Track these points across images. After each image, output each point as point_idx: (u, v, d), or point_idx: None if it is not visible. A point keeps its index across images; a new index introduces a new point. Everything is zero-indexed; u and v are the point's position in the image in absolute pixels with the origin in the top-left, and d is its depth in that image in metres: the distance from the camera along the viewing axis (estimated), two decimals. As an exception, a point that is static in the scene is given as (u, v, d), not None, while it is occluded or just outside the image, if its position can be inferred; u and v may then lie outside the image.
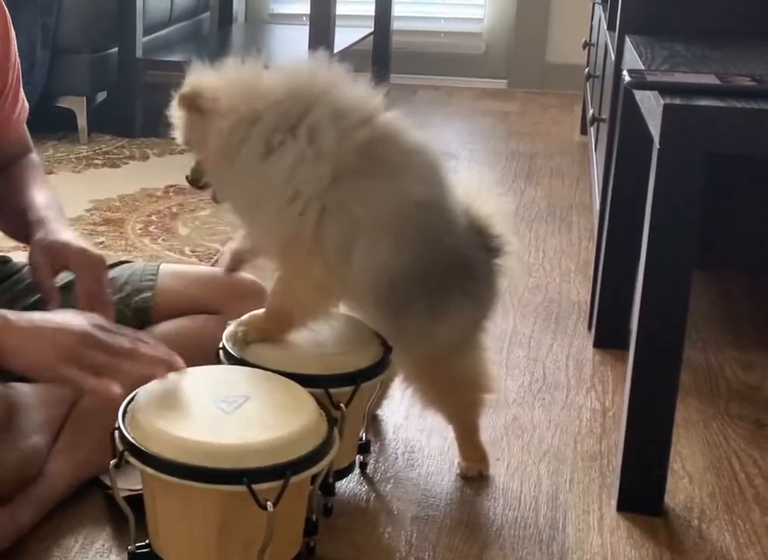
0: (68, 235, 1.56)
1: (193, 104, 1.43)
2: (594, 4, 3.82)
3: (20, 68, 1.73)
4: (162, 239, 2.77)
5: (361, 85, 1.47)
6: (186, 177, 1.53)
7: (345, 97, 1.45)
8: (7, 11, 1.67)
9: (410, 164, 1.47)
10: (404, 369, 1.64)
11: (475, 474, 1.68)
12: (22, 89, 1.74)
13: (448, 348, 1.58)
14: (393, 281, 1.47)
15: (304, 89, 1.44)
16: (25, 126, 1.79)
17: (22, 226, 1.60)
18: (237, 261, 1.59)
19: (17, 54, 1.72)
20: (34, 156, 1.80)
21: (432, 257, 1.49)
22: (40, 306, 1.64)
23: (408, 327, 1.53)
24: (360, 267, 1.45)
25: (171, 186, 3.25)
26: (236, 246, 1.59)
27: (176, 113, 1.47)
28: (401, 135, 1.48)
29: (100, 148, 3.70)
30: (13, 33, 1.69)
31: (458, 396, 1.65)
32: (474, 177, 1.64)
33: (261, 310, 1.53)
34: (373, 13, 4.74)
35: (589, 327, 2.24)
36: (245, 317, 1.53)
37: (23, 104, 1.75)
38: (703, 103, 1.45)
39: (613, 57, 2.19)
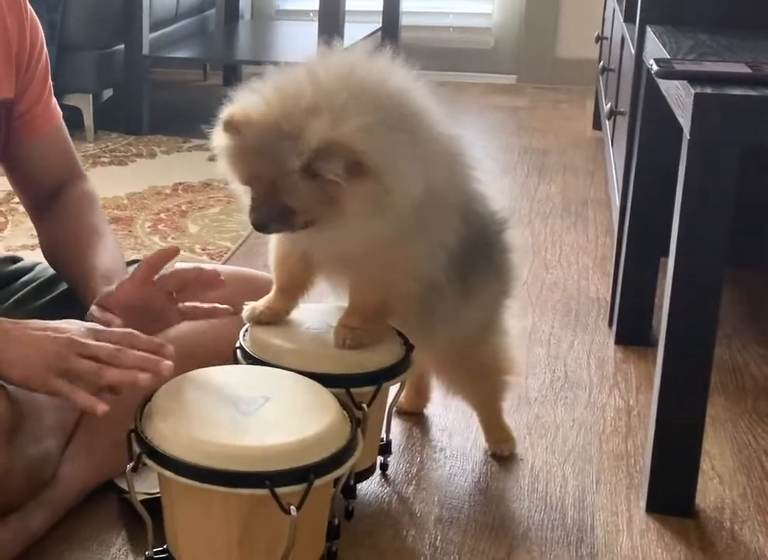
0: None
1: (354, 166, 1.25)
2: (606, -3, 3.78)
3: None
4: (172, 238, 2.73)
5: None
6: (259, 222, 1.33)
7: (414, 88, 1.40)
8: (29, 4, 1.61)
9: (455, 142, 1.46)
10: (430, 362, 1.63)
11: (508, 453, 1.71)
12: (54, 96, 1.67)
13: (474, 332, 1.59)
14: (449, 255, 1.45)
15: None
16: (70, 141, 1.69)
17: (78, 287, 1.55)
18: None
19: (45, 49, 1.64)
20: (89, 189, 1.69)
21: (466, 229, 1.47)
22: (51, 306, 1.60)
23: (440, 308, 1.50)
24: (438, 247, 1.42)
25: (179, 183, 3.21)
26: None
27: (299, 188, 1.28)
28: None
29: (107, 146, 3.67)
30: (39, 29, 1.62)
31: (483, 381, 1.67)
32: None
33: (346, 311, 1.48)
34: (381, 8, 4.71)
35: (610, 324, 2.20)
36: (343, 321, 1.46)
37: (55, 105, 1.67)
38: (736, 91, 1.40)
39: (632, 49, 2.14)
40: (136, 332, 1.33)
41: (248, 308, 1.51)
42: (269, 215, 1.32)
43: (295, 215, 1.31)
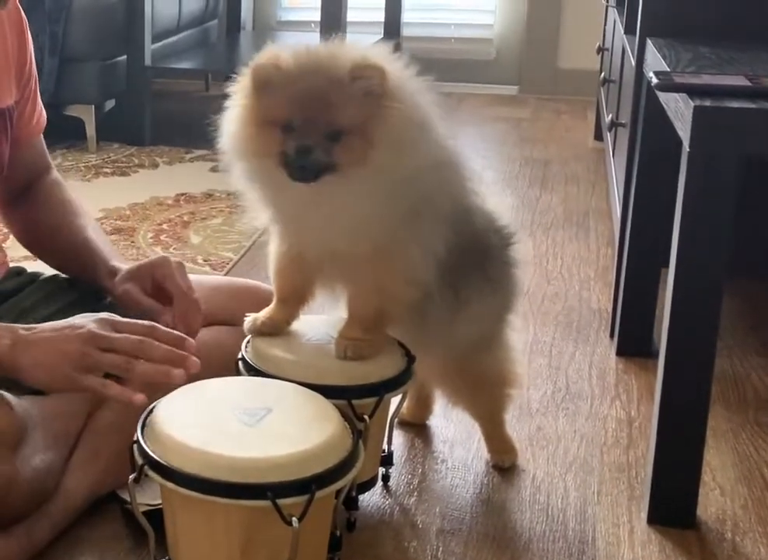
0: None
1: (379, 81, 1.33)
2: (607, 8, 3.78)
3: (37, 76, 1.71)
4: (174, 248, 2.74)
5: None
6: (301, 166, 1.32)
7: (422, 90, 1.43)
8: (24, 17, 1.64)
9: (452, 151, 1.47)
10: (431, 373, 1.64)
11: (510, 464, 1.71)
12: (40, 99, 1.71)
13: (473, 345, 1.59)
14: (438, 264, 1.46)
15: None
16: (43, 140, 1.75)
17: (75, 261, 1.59)
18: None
19: (33, 61, 1.69)
20: (56, 176, 1.76)
21: (458, 240, 1.47)
22: (55, 318, 1.60)
23: (434, 317, 1.51)
24: (430, 253, 1.43)
25: (181, 194, 3.22)
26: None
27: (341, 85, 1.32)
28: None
29: (109, 157, 3.68)
30: (30, 41, 1.67)
31: (484, 394, 1.67)
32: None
33: (346, 322, 1.49)
34: (383, 19, 4.71)
35: (611, 335, 2.21)
36: (343, 333, 1.47)
37: (41, 113, 1.72)
38: (734, 104, 1.41)
39: (633, 61, 2.15)
40: (157, 324, 1.34)
41: (249, 319, 1.51)
42: (315, 140, 1.32)
43: (340, 137, 1.32)
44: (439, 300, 1.50)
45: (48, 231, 1.67)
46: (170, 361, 1.28)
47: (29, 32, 1.66)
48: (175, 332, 1.34)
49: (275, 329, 1.50)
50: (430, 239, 1.43)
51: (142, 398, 1.26)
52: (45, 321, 1.58)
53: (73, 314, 1.55)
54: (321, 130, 1.32)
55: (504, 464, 1.70)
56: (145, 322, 1.35)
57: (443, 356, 1.59)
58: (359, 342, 1.45)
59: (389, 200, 1.37)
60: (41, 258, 1.72)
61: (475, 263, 1.54)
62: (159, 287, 1.53)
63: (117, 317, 1.35)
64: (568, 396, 1.96)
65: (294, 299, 1.52)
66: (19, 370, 1.30)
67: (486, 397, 1.68)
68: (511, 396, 1.70)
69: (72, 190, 1.77)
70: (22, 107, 1.65)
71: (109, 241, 1.69)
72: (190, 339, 1.33)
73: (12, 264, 1.78)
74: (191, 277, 1.63)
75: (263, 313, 1.52)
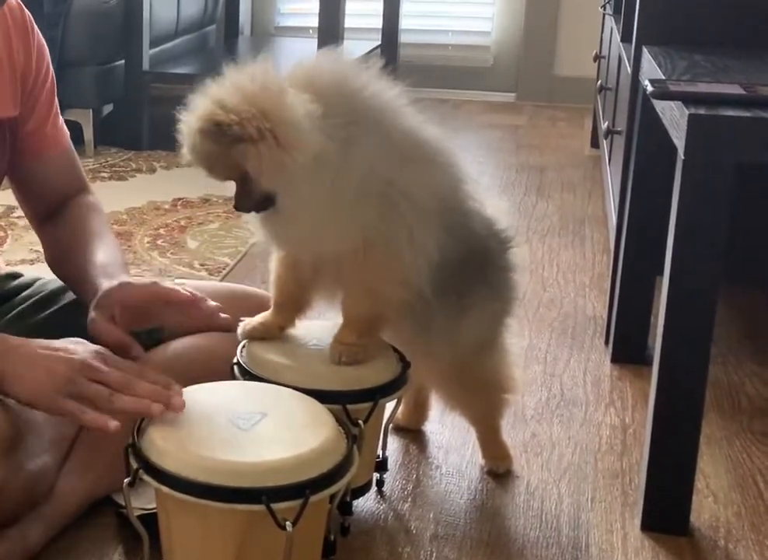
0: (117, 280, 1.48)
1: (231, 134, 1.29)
2: (604, 15, 3.79)
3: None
4: (171, 253, 2.74)
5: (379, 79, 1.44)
6: (236, 205, 1.38)
7: (383, 90, 1.43)
8: (35, 24, 1.62)
9: (441, 152, 1.48)
10: (429, 378, 1.65)
11: (504, 470, 1.71)
12: (59, 113, 1.67)
13: (473, 350, 1.59)
14: (438, 268, 1.46)
15: (339, 85, 1.39)
16: (74, 158, 1.71)
17: (80, 287, 1.55)
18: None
19: (50, 70, 1.65)
20: (92, 200, 1.71)
21: (457, 244, 1.48)
22: (50, 322, 1.61)
23: (436, 323, 1.52)
24: (420, 254, 1.43)
25: (179, 199, 3.22)
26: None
27: (203, 147, 1.32)
28: (426, 123, 1.47)
29: (107, 161, 3.68)
30: (39, 47, 1.62)
31: (482, 398, 1.68)
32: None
33: (341, 327, 1.49)
34: (381, 26, 4.73)
35: (606, 342, 2.21)
36: (339, 338, 1.48)
37: (61, 127, 1.67)
38: (729, 113, 1.42)
39: (629, 69, 2.16)
40: (146, 368, 1.34)
41: (242, 324, 1.52)
42: (236, 189, 1.36)
43: (247, 181, 1.33)
44: (441, 306, 1.50)
45: (62, 254, 1.63)
46: (154, 398, 1.28)
47: (37, 37, 1.61)
48: (162, 376, 1.32)
49: (267, 333, 1.51)
50: (420, 240, 1.43)
51: (117, 425, 1.25)
52: (40, 325, 1.59)
53: (68, 319, 1.56)
54: (231, 178, 1.35)
55: (498, 470, 1.71)
56: (135, 364, 1.35)
57: (443, 361, 1.59)
58: (354, 347, 1.45)
59: (334, 208, 1.37)
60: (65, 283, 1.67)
61: (476, 268, 1.55)
62: (141, 309, 1.48)
63: (110, 353, 1.35)
64: (563, 402, 1.96)
65: (290, 304, 1.52)
66: (1, 380, 1.29)
67: (484, 401, 1.68)
68: (509, 401, 1.71)
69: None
70: (28, 117, 1.61)
71: (120, 261, 1.58)
72: (176, 384, 1.31)
73: (8, 268, 1.79)
74: (188, 282, 1.63)
75: (257, 318, 1.52)
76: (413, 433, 1.82)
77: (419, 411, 1.83)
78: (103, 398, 1.26)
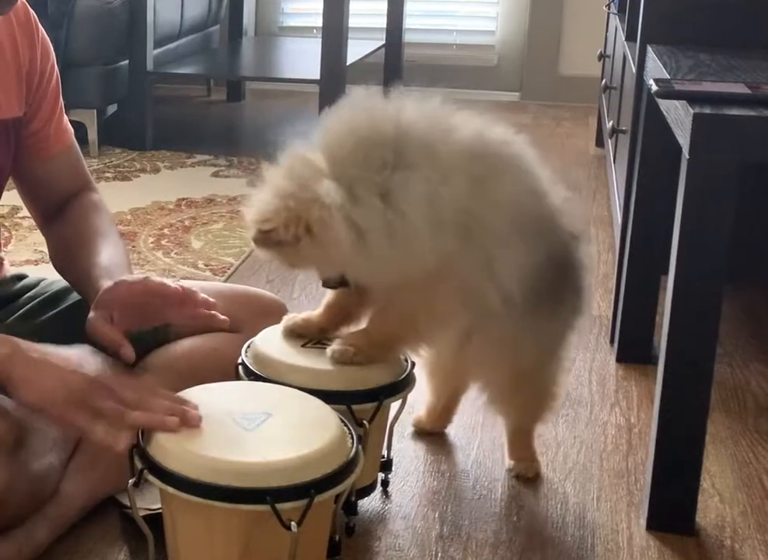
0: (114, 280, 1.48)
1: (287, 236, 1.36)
2: (609, 14, 3.79)
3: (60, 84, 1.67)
4: (175, 253, 2.74)
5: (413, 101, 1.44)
6: (326, 283, 1.47)
7: (419, 114, 1.42)
8: (40, 24, 1.62)
9: (511, 157, 1.48)
10: (490, 383, 1.63)
11: (533, 474, 1.69)
12: (63, 112, 1.67)
13: (543, 357, 1.59)
14: (532, 283, 1.45)
15: (376, 128, 1.38)
16: (78, 156, 1.71)
17: (83, 287, 1.54)
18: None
19: (54, 70, 1.65)
20: (97, 198, 1.70)
21: (550, 251, 1.48)
22: (55, 322, 1.61)
23: (529, 330, 1.52)
24: (504, 277, 1.43)
25: (183, 199, 3.22)
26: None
27: (260, 252, 1.42)
28: (486, 131, 1.48)
29: (111, 161, 3.68)
30: (44, 49, 1.62)
31: (535, 403, 1.67)
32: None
33: (360, 330, 1.50)
34: (385, 26, 4.72)
35: (611, 342, 2.21)
36: (348, 336, 1.48)
37: (65, 127, 1.67)
38: (734, 112, 1.42)
39: (634, 68, 2.16)
40: (159, 389, 1.33)
41: (285, 317, 1.53)
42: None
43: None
44: (532, 315, 1.50)
45: (66, 253, 1.63)
46: (170, 413, 1.27)
47: (41, 37, 1.61)
48: (174, 395, 1.32)
49: (306, 331, 1.51)
50: (499, 265, 1.42)
51: (124, 445, 1.24)
52: (46, 325, 1.59)
53: (73, 319, 1.56)
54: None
55: (527, 474, 1.68)
56: (148, 384, 1.37)
57: (513, 367, 1.58)
58: (351, 349, 1.45)
59: (398, 261, 1.38)
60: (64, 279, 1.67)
61: (565, 272, 1.54)
62: (139, 303, 1.47)
63: (123, 377, 1.35)
64: (568, 402, 1.96)
65: (337, 309, 1.52)
66: (9, 382, 1.28)
67: (534, 406, 1.67)
68: (556, 408, 1.70)
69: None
70: (33, 116, 1.61)
71: (124, 262, 1.57)
72: (192, 402, 1.31)
73: (13, 269, 1.79)
74: (192, 283, 1.63)
75: (302, 314, 1.53)
76: (418, 433, 1.82)
77: (445, 414, 1.81)
78: (116, 414, 1.25)
